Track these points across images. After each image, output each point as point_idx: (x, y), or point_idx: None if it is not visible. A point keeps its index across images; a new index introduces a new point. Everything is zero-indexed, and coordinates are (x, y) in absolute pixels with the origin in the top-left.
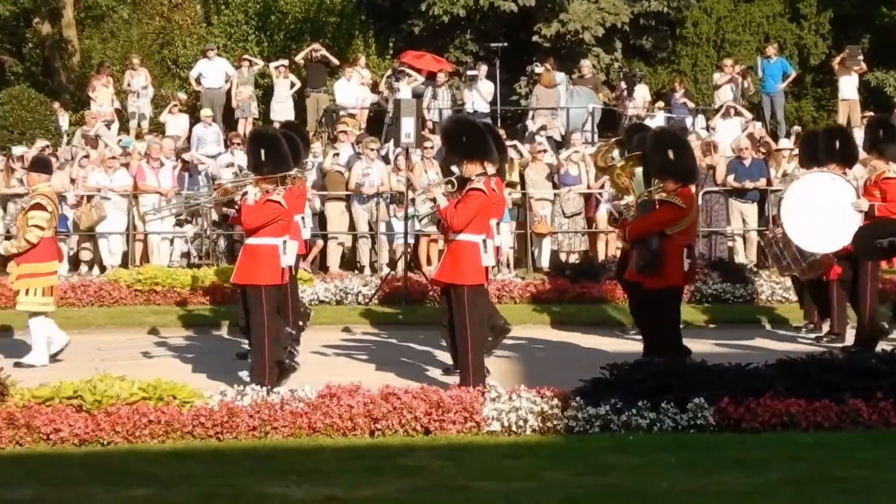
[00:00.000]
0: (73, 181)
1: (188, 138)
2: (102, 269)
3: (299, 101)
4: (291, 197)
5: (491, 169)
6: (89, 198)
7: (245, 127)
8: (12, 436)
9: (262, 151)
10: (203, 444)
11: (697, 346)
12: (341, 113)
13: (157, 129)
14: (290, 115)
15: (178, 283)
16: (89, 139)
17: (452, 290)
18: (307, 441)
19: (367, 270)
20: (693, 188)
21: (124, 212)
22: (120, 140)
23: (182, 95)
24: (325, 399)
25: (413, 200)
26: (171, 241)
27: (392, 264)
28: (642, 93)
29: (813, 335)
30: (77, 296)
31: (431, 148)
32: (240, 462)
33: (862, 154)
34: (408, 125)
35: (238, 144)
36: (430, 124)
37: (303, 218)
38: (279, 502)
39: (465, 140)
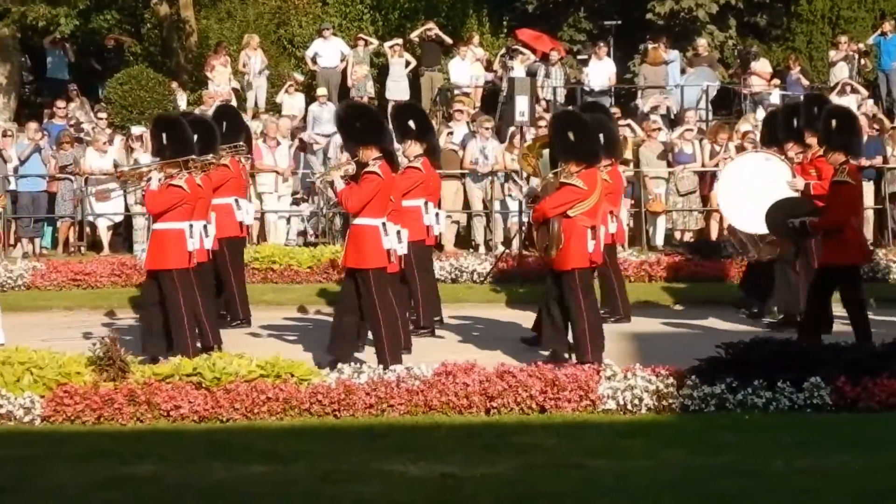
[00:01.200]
0: None
1: (304, 118)
2: None
3: (414, 80)
4: (210, 181)
5: (417, 149)
6: None
7: None
8: (133, 412)
9: (164, 136)
10: (320, 422)
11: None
12: (456, 91)
13: (274, 108)
14: (404, 95)
15: (295, 262)
16: None
17: (357, 274)
18: (423, 419)
19: (482, 249)
20: (598, 169)
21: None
22: None
23: (298, 75)
24: (440, 377)
25: (528, 179)
26: (288, 220)
27: (506, 242)
28: (763, 67)
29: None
30: None
31: (545, 126)
32: (356, 439)
33: None
34: (522, 103)
35: None
36: (543, 103)
37: (237, 200)
38: (395, 479)
39: (360, 126)
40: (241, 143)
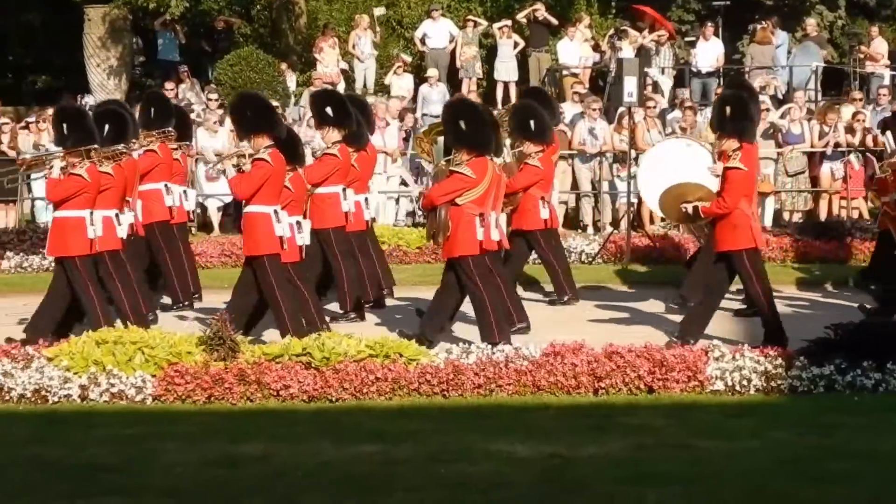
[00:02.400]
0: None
1: (413, 98)
2: None
3: (522, 60)
4: (122, 170)
5: (335, 136)
6: None
7: (468, 87)
8: (243, 391)
9: (65, 126)
10: (429, 402)
11: None
12: (564, 72)
13: (382, 89)
14: (512, 76)
15: (404, 243)
16: None
17: (253, 262)
18: (531, 399)
19: (590, 229)
20: (489, 158)
21: None
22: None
23: (407, 56)
24: (549, 357)
25: (636, 159)
26: (397, 200)
27: (615, 223)
28: (878, 46)
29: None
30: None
31: (654, 107)
32: (465, 419)
33: None
34: (630, 84)
35: None
36: (651, 84)
37: (166, 185)
38: (504, 459)
39: (250, 115)
40: (170, 129)
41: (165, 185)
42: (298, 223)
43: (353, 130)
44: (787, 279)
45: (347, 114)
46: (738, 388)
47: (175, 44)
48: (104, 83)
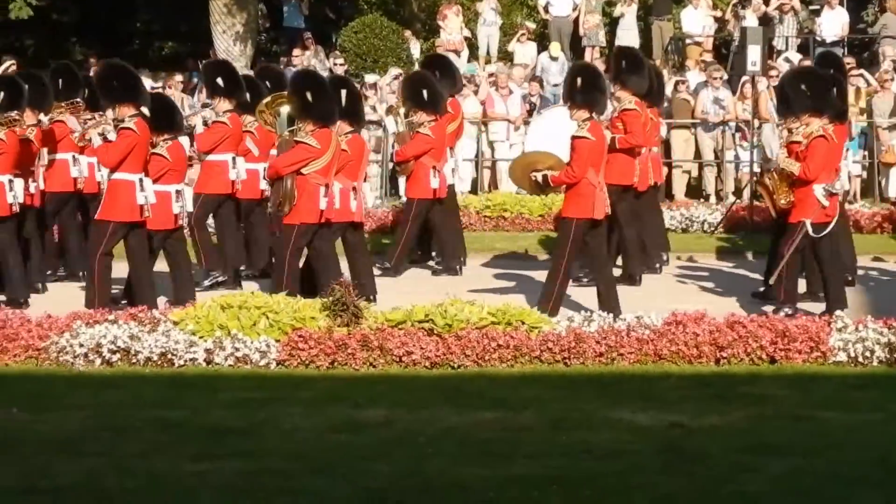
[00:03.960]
0: None
1: (534, 66)
2: None
3: (645, 29)
4: (14, 136)
5: (225, 105)
6: None
7: (591, 55)
8: (366, 357)
9: None
10: (550, 369)
11: None
12: (687, 41)
13: (506, 57)
14: (634, 43)
15: (526, 210)
16: None
17: (97, 225)
18: (653, 368)
19: (713, 199)
20: (334, 129)
21: (473, 139)
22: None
23: (530, 24)
24: (671, 326)
25: (759, 129)
26: None
27: (737, 193)
28: None
29: None
30: None
31: (777, 76)
32: (586, 387)
33: None
34: (754, 53)
35: None
36: (775, 53)
37: (73, 156)
38: (625, 428)
39: (116, 84)
40: (79, 99)
41: (73, 157)
42: (178, 192)
43: (245, 101)
44: None
45: (238, 85)
46: (860, 359)
47: (300, 11)
48: (230, 49)
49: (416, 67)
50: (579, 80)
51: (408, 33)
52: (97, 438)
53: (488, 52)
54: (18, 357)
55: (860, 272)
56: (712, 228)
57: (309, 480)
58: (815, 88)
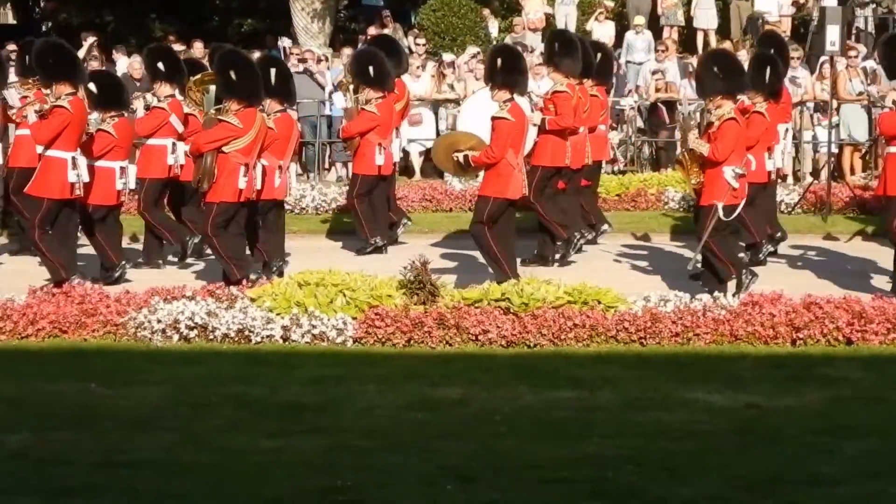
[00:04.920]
0: None
1: (615, 45)
2: None
3: (724, 8)
4: None
5: (166, 90)
6: None
7: (669, 34)
8: (443, 336)
9: None
10: (626, 349)
11: None
12: (765, 20)
13: (584, 35)
14: (712, 24)
15: (603, 190)
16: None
17: (28, 201)
18: (728, 348)
19: (790, 179)
20: (258, 109)
21: None
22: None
23: (608, 2)
24: (747, 307)
25: (837, 109)
26: None
27: (815, 173)
28: None
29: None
30: None
31: (857, 56)
32: (662, 367)
33: None
34: (833, 33)
35: (663, 51)
36: (855, 32)
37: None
38: (701, 408)
39: (52, 62)
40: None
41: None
42: (122, 168)
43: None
44: None
45: (179, 69)
46: None
47: None
48: (308, 27)
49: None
50: (499, 61)
51: (486, 11)
52: (174, 414)
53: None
54: (97, 332)
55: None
56: (790, 209)
57: (383, 457)
58: (728, 71)
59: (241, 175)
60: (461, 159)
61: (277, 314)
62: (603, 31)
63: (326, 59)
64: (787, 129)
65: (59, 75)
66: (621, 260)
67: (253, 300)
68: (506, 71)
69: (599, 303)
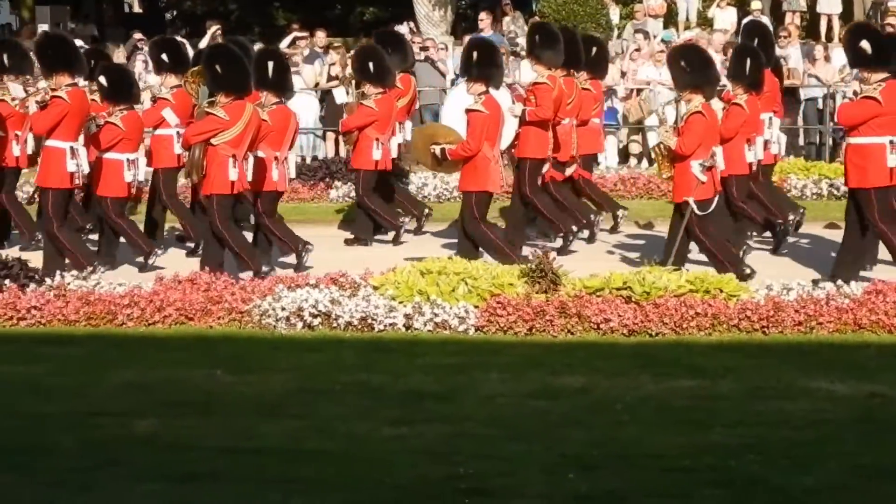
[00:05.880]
0: (623, 74)
1: (736, 32)
2: (651, 161)
3: None
4: None
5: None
6: (639, 91)
7: (793, 19)
8: (564, 324)
9: None
10: (748, 338)
11: None
12: (890, 6)
13: (705, 22)
14: (836, 9)
15: None
16: (642, 32)
17: (42, 193)
18: (852, 337)
19: None
20: (245, 101)
21: (672, 106)
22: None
23: None
24: (870, 295)
25: None
26: None
27: None
28: None
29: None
30: (626, 188)
31: None
32: (784, 356)
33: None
34: None
35: (785, 37)
36: None
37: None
38: (824, 397)
39: (52, 53)
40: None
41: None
42: (130, 160)
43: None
44: None
45: (184, 61)
46: None
47: None
48: (430, 15)
49: (615, 33)
50: (475, 54)
51: None
52: (298, 401)
53: (687, 18)
54: (222, 320)
55: None
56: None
57: (506, 446)
58: (695, 65)
59: (231, 167)
60: (438, 152)
61: (400, 302)
62: (725, 17)
63: (446, 48)
64: (770, 118)
65: (58, 66)
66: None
67: (375, 288)
68: (481, 64)
69: (721, 291)
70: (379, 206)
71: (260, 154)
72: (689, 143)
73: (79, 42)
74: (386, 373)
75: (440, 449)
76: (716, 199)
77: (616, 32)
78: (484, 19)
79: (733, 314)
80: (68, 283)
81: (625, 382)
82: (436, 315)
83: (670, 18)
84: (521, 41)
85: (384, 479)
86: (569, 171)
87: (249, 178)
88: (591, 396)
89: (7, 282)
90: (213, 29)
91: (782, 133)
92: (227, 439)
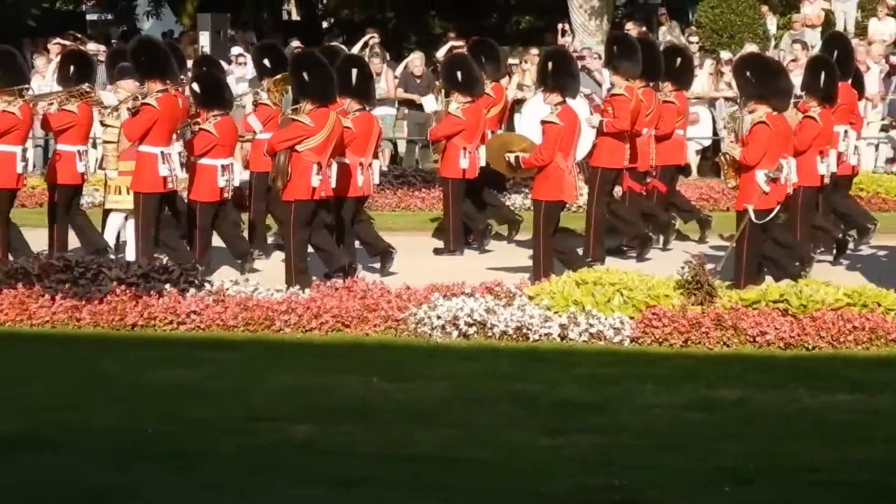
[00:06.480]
0: None
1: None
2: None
3: None
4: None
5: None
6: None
7: None
8: (720, 337)
9: None
10: None
11: None
12: None
13: (864, 32)
14: None
15: (883, 190)
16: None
17: (135, 196)
18: None
19: None
20: (330, 109)
21: None
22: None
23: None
24: None
25: None
26: (877, 147)
27: None
28: None
29: None
30: None
31: None
32: None
33: None
34: None
35: None
36: None
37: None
38: None
39: (145, 59)
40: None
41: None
42: (223, 166)
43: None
44: None
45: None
46: None
47: None
48: (586, 24)
49: (773, 43)
50: (550, 65)
51: (765, 8)
52: (454, 409)
53: (845, 28)
54: (378, 327)
55: None
56: None
57: (661, 457)
58: (760, 76)
59: (314, 173)
60: (512, 160)
61: (555, 312)
62: (884, 28)
63: (599, 57)
64: (845, 130)
65: (151, 73)
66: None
67: (531, 298)
68: (556, 74)
69: (879, 305)
70: (466, 214)
71: (345, 160)
72: (753, 154)
73: (237, 49)
74: (541, 382)
75: (595, 459)
76: (776, 210)
77: (773, 42)
78: (630, 29)
79: (892, 328)
80: (227, 289)
81: (781, 396)
82: (591, 325)
83: (828, 28)
84: None
85: (539, 489)
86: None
87: (333, 184)
88: (746, 409)
89: (167, 286)
90: (367, 37)
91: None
92: (383, 446)
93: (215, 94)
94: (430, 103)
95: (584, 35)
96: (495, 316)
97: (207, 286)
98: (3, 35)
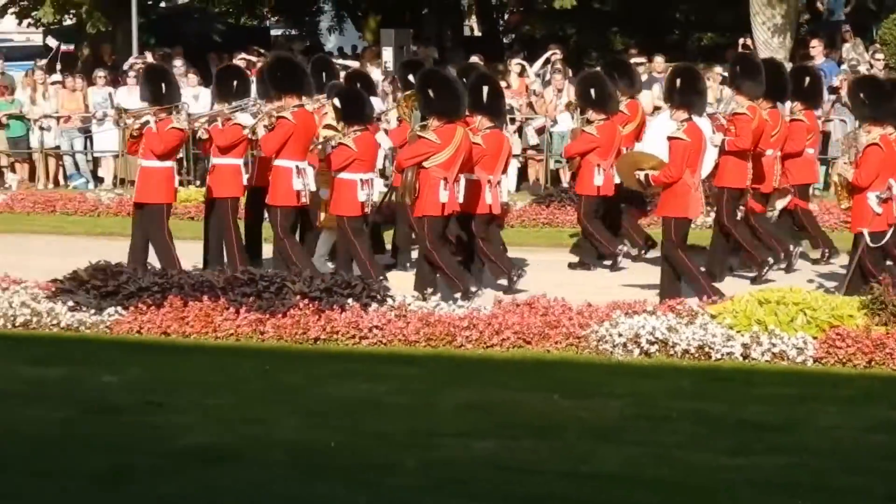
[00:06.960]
0: None
1: None
2: None
3: None
4: None
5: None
6: None
7: None
8: None
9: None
10: None
11: None
12: None
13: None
14: None
15: None
16: None
17: (269, 210)
18: None
19: None
20: (458, 125)
21: None
22: None
23: None
24: None
25: None
26: None
27: None
28: None
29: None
30: None
31: None
32: None
33: None
34: None
35: None
36: None
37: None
38: None
39: (280, 75)
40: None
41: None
42: (362, 181)
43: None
44: None
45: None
46: None
47: (842, 2)
48: (768, 41)
49: None
50: (678, 82)
51: None
52: (636, 427)
53: None
54: (559, 344)
55: None
56: None
57: (846, 479)
58: (874, 97)
59: (442, 189)
60: (642, 178)
61: (738, 331)
62: None
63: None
64: None
65: (287, 88)
66: None
67: (713, 317)
68: (683, 91)
69: None
70: (599, 231)
71: (473, 177)
72: (865, 176)
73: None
74: (723, 402)
75: (779, 480)
76: (890, 231)
77: None
78: (815, 46)
79: None
80: (409, 304)
81: None
82: (773, 345)
83: None
84: (862, 68)
85: None
86: (781, 204)
87: (460, 200)
88: None
89: (350, 301)
90: (549, 53)
91: None
92: (565, 463)
93: (356, 109)
94: (564, 121)
95: (767, 52)
96: (677, 334)
97: (390, 301)
98: (189, 50)
